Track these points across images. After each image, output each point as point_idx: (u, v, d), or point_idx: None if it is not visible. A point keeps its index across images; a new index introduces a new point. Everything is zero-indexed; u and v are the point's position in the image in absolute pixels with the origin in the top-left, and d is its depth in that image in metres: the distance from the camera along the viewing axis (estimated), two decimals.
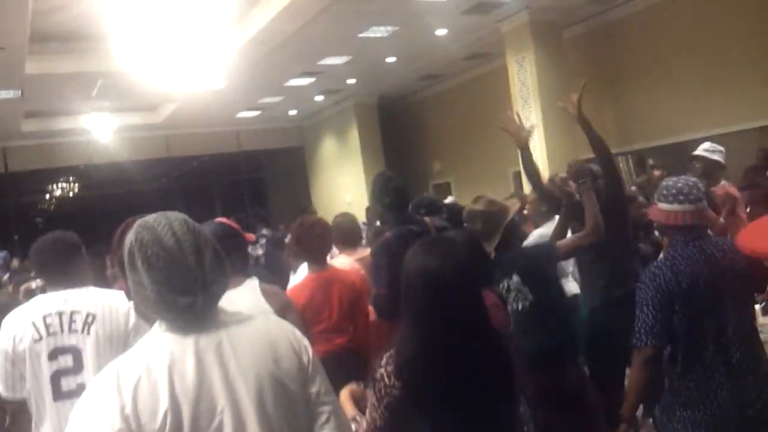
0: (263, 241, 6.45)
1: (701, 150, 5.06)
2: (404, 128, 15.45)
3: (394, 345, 1.91)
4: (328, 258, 3.83)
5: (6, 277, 10.16)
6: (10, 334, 2.56)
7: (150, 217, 1.48)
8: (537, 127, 9.68)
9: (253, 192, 19.98)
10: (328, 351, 3.18)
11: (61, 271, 2.70)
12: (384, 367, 1.87)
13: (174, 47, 7.90)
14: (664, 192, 2.49)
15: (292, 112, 15.56)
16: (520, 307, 3.14)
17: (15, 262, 10.87)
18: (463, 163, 13.65)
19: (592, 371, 3.58)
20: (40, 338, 2.55)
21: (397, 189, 3.47)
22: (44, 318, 2.58)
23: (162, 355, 1.40)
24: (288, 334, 1.58)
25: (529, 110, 9.82)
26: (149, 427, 1.32)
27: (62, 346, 2.56)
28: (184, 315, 1.43)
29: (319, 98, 14.13)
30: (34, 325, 2.56)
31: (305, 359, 1.54)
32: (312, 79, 12.10)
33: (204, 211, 18.50)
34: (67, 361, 2.56)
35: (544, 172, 9.44)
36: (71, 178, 19.59)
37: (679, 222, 2.44)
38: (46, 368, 2.54)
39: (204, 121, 14.55)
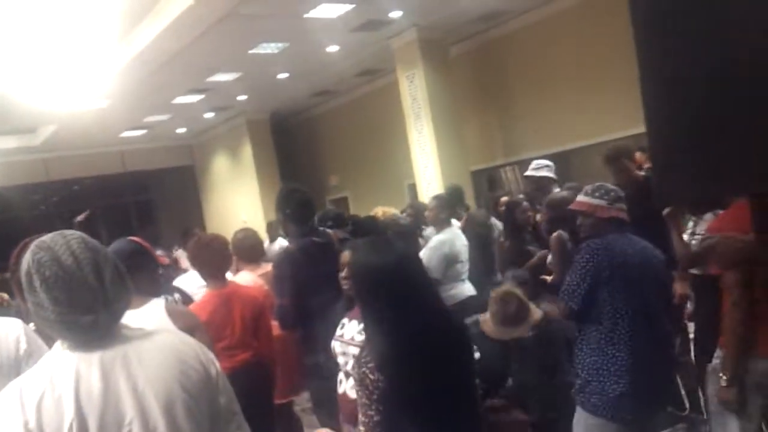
0: None
1: (528, 171, 5.45)
2: (299, 144, 15.43)
3: (367, 344, 2.00)
4: (230, 275, 3.78)
5: None
6: None
7: (47, 237, 1.45)
8: (430, 139, 9.96)
9: (141, 214, 19.24)
10: (232, 367, 3.13)
11: None
12: (365, 366, 1.93)
13: (52, 65, 7.55)
14: (619, 195, 2.87)
15: (181, 130, 15.15)
16: None
17: None
18: (360, 177, 13.79)
19: None
20: None
21: (300, 202, 3.50)
22: None
23: (66, 371, 1.38)
24: (194, 347, 1.58)
25: (421, 124, 10.08)
26: None
27: None
28: (86, 334, 1.41)
29: (209, 115, 13.84)
30: None
31: (213, 371, 1.56)
32: (201, 96, 11.85)
33: (89, 236, 17.57)
34: None
35: (439, 184, 9.73)
36: None
37: (613, 215, 2.80)
38: None
39: (86, 142, 13.90)
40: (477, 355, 2.25)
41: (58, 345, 1.45)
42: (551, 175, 5.30)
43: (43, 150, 13.84)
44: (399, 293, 1.96)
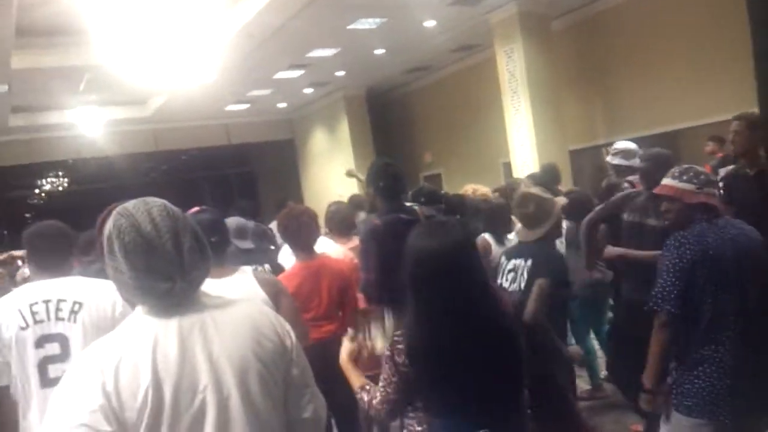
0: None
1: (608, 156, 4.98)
2: (394, 120, 15.45)
3: (404, 327, 1.97)
4: (323, 246, 3.86)
5: None
6: None
7: (129, 204, 1.47)
8: (527, 117, 9.72)
9: (242, 185, 19.97)
10: (318, 338, 3.22)
11: (51, 258, 2.73)
12: (395, 346, 1.92)
13: (161, 41, 7.87)
14: (710, 179, 2.66)
15: (282, 105, 15.51)
16: (511, 287, 3.21)
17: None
18: (454, 155, 13.68)
19: None
20: (27, 326, 2.55)
21: (394, 175, 3.50)
22: (30, 306, 2.59)
23: (145, 336, 1.41)
24: (271, 318, 1.60)
25: (518, 101, 9.85)
26: (130, 404, 1.33)
27: (49, 334, 2.58)
28: (162, 300, 1.44)
29: (309, 91, 14.09)
30: (21, 312, 2.57)
31: (288, 343, 1.57)
32: (301, 72, 12.08)
33: (194, 205, 18.38)
34: (54, 348, 2.57)
35: (535, 164, 9.51)
36: (60, 173, 19.51)
37: (702, 200, 2.58)
38: (33, 356, 2.55)
39: (192, 114, 14.49)
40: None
41: (139, 309, 1.48)
42: (623, 162, 4.92)
43: (153, 121, 14.54)
44: (441, 284, 1.89)
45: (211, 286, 1.56)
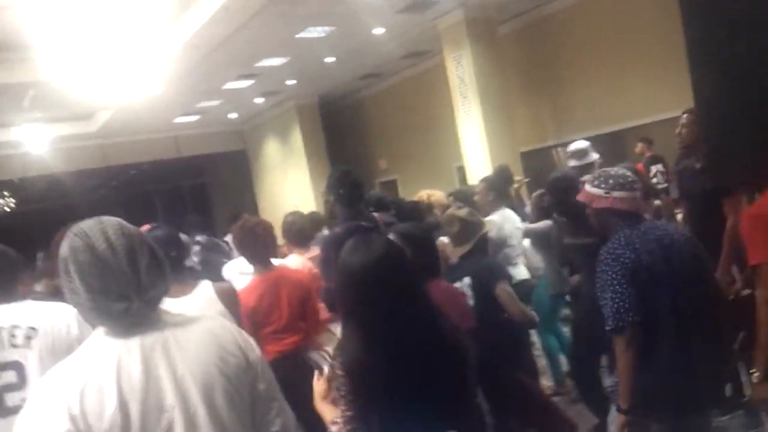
0: (197, 248, 6.33)
1: (573, 161, 5.02)
2: (348, 127, 15.46)
3: (339, 343, 1.96)
4: (280, 258, 3.83)
5: None
6: None
7: (84, 223, 1.46)
8: (478, 121, 9.84)
9: (195, 198, 19.68)
10: (281, 351, 3.20)
11: (2, 286, 2.62)
12: (335, 361, 1.91)
13: (105, 54, 7.72)
14: (620, 180, 2.57)
15: (233, 116, 15.36)
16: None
17: None
18: (409, 160, 13.75)
19: None
20: None
21: (353, 183, 3.53)
22: None
23: (107, 357, 1.40)
24: (234, 333, 1.59)
25: (468, 106, 9.97)
26: (97, 427, 1.32)
27: (4, 362, 2.47)
28: (120, 320, 1.42)
29: (259, 100, 13.99)
30: None
31: (252, 357, 1.56)
32: (251, 82, 11.98)
33: (146, 219, 18.06)
34: (10, 377, 2.47)
35: (488, 166, 9.62)
36: (5, 193, 18.90)
37: (635, 208, 2.55)
38: None
39: (141, 127, 14.23)
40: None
41: (99, 331, 1.46)
42: (578, 163, 4.94)
43: (100, 136, 14.24)
44: (370, 298, 1.90)
45: (170, 305, 1.53)
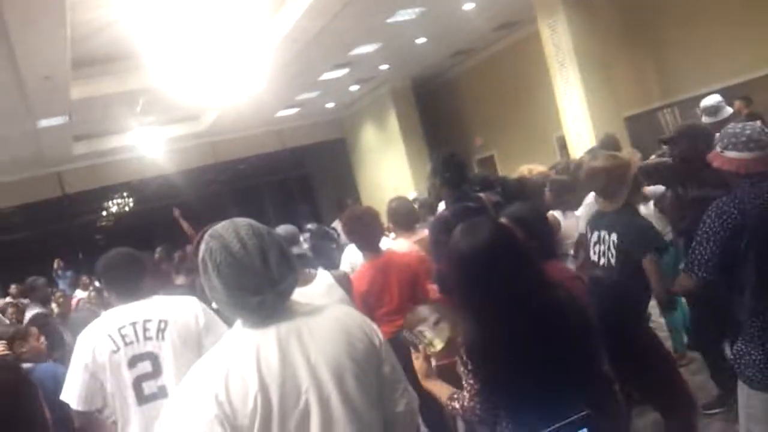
0: (307, 236, 6.55)
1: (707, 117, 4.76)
2: (442, 107, 15.42)
3: (461, 326, 2.00)
4: (389, 242, 3.93)
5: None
6: (89, 348, 2.71)
7: (219, 226, 1.58)
8: (577, 87, 9.55)
9: (300, 188, 20.24)
10: (393, 332, 3.29)
11: (128, 284, 2.85)
12: (462, 345, 1.95)
13: (209, 57, 8.09)
14: (733, 140, 2.44)
15: (330, 105, 15.69)
16: (600, 262, 3.14)
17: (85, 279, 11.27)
18: (505, 135, 13.57)
19: None
20: (118, 349, 2.70)
21: (458, 165, 3.56)
22: (119, 330, 2.73)
23: (247, 347, 1.52)
24: (359, 320, 1.69)
25: (566, 73, 9.71)
26: (242, 411, 1.44)
27: (139, 353, 2.71)
28: (256, 313, 1.54)
29: (355, 88, 14.20)
30: (111, 337, 2.71)
31: (377, 342, 1.65)
32: (346, 70, 12.19)
33: (256, 211, 18.87)
34: (146, 366, 2.71)
35: (590, 134, 9.35)
36: (125, 194, 20.17)
37: (750, 170, 2.39)
38: (127, 376, 2.69)
39: (246, 124, 14.82)
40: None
41: (238, 323, 1.59)
42: (711, 119, 4.72)
43: (209, 134, 14.96)
44: (480, 282, 1.92)
45: (297, 295, 1.65)
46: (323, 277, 2.94)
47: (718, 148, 2.50)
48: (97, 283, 10.10)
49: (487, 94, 13.87)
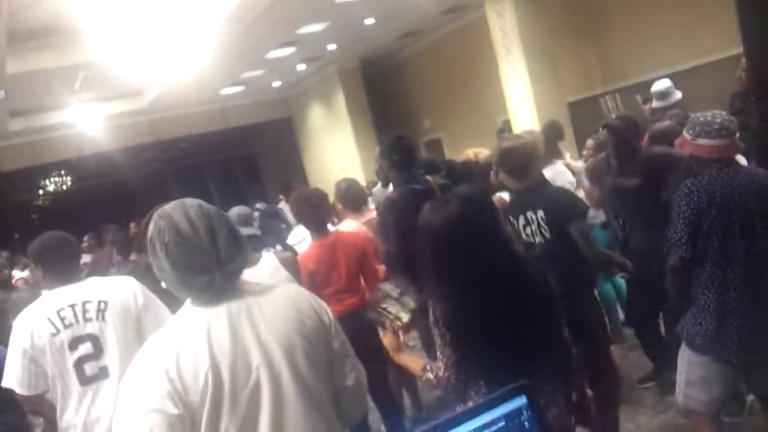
0: (256, 215, 6.55)
1: (658, 103, 4.92)
2: (390, 88, 15.43)
3: (434, 300, 2.03)
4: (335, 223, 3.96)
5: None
6: (27, 332, 2.67)
7: (168, 206, 1.59)
8: (522, 73, 9.70)
9: (244, 167, 20.02)
10: (341, 311, 3.33)
11: (64, 266, 2.83)
12: (434, 313, 2.00)
13: (151, 32, 7.89)
14: (706, 128, 2.59)
15: (276, 84, 15.49)
16: (536, 240, 3.21)
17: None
18: (452, 118, 13.68)
19: None
20: (58, 332, 2.67)
21: (407, 148, 3.59)
22: (58, 312, 2.70)
23: (198, 325, 1.53)
24: (308, 299, 1.72)
25: (512, 58, 9.85)
26: (193, 387, 1.46)
27: (80, 335, 2.69)
28: (204, 291, 1.55)
29: (302, 67, 14.05)
30: (50, 320, 2.68)
31: (326, 319, 1.69)
32: (292, 49, 12.04)
33: (198, 191, 18.55)
34: (87, 348, 2.70)
35: (534, 119, 9.54)
36: (63, 172, 19.59)
37: (723, 155, 2.58)
38: (69, 358, 2.67)
39: (188, 101, 14.48)
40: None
41: (188, 302, 1.60)
42: (661, 104, 4.87)
43: (150, 111, 14.56)
44: (458, 252, 1.97)
45: (247, 275, 1.66)
46: (269, 258, 2.96)
47: (688, 136, 2.65)
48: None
49: (434, 77, 13.94)
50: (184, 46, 8.81)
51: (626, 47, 9.78)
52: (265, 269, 2.86)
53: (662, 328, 4.09)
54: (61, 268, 2.81)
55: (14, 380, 2.66)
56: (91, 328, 2.71)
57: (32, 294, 3.99)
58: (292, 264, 3.18)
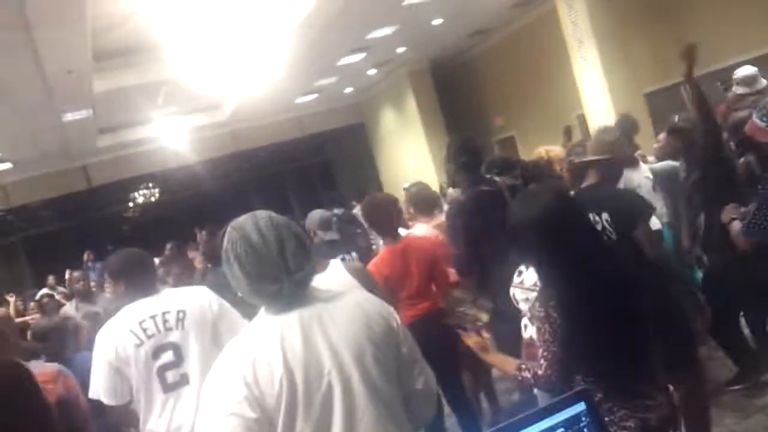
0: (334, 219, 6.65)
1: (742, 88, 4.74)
2: (460, 88, 15.35)
3: (542, 290, 2.08)
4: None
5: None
6: (111, 344, 2.81)
7: (241, 218, 1.69)
8: (596, 65, 9.47)
9: (320, 174, 20.33)
10: (415, 315, 3.37)
11: (145, 279, 2.98)
12: (543, 308, 2.01)
13: (228, 46, 8.18)
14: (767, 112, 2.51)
15: (348, 90, 15.71)
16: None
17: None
18: (525, 115, 13.49)
19: None
20: (141, 342, 2.79)
21: (472, 150, 3.60)
22: (140, 323, 2.83)
23: (271, 332, 1.61)
24: (377, 305, 1.78)
25: (585, 50, 9.64)
26: (269, 392, 1.53)
27: (161, 344, 2.82)
28: (275, 300, 1.63)
29: (372, 72, 14.20)
30: (132, 332, 2.81)
31: (394, 324, 1.74)
32: (363, 55, 12.19)
33: (277, 199, 19.02)
34: (168, 356, 2.82)
35: (610, 112, 9.30)
36: (150, 185, 20.45)
37: None
38: (152, 367, 2.80)
39: (265, 111, 14.89)
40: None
41: (262, 311, 1.69)
42: (746, 90, 4.68)
43: (230, 123, 15.08)
44: (553, 242, 1.99)
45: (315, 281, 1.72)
46: (336, 267, 3.02)
47: (762, 123, 2.53)
48: None
49: (505, 74, 13.78)
50: (259, 57, 9.09)
51: (703, 32, 9.37)
52: (333, 277, 2.91)
53: (745, 329, 3.92)
54: (142, 281, 2.95)
55: (101, 390, 2.80)
56: (171, 336, 2.83)
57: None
58: (360, 273, 3.20)
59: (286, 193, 20.31)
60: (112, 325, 2.88)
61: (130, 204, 21.84)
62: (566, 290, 1.97)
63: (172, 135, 13.11)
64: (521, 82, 13.21)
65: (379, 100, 16.34)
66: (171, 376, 2.80)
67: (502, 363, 2.23)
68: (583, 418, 1.09)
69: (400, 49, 12.69)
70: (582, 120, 10.59)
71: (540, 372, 2.01)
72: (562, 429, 1.09)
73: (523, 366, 2.09)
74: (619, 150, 3.26)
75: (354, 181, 17.54)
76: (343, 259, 3.56)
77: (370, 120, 17.25)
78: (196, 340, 2.83)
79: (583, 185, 3.21)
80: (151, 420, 2.80)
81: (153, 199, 21.31)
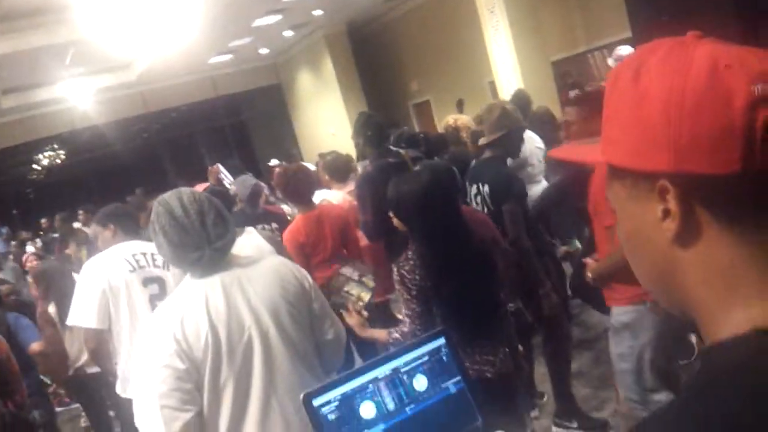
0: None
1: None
2: (377, 52, 15.49)
3: (410, 251, 2.39)
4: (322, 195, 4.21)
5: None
6: (104, 272, 3.09)
7: (166, 194, 1.91)
8: (506, 34, 9.80)
9: (236, 135, 20.10)
10: (329, 276, 3.60)
11: (133, 225, 3.41)
12: (403, 269, 2.34)
13: (139, 4, 8.00)
14: None
15: (264, 51, 15.53)
16: (484, 211, 3.53)
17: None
18: (440, 80, 13.79)
19: None
20: (134, 269, 3.11)
21: (377, 125, 3.85)
22: (132, 255, 3.15)
23: (197, 293, 1.84)
24: (290, 267, 2.06)
25: (496, 20, 9.95)
26: (196, 346, 1.77)
27: (150, 277, 3.14)
28: (196, 265, 1.86)
29: (289, 34, 14.10)
30: (126, 260, 3.12)
31: (306, 284, 2.02)
32: (279, 17, 12.10)
33: (191, 160, 18.71)
34: (154, 289, 3.14)
35: (518, 79, 9.69)
36: (56, 146, 19.69)
37: None
38: (142, 293, 3.10)
39: (177, 71, 14.55)
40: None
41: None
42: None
43: (140, 83, 14.63)
44: (427, 216, 2.35)
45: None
46: (252, 235, 3.23)
47: None
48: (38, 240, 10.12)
49: (420, 40, 13.99)
50: (171, 17, 8.91)
51: (608, 3, 9.82)
52: (248, 243, 3.13)
53: None
54: (128, 224, 3.34)
55: (90, 315, 3.04)
56: (159, 272, 3.15)
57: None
58: (273, 241, 3.44)
59: (201, 153, 19.97)
60: (104, 256, 3.18)
61: (36, 166, 20.97)
62: (429, 255, 2.33)
63: (80, 95, 12.70)
64: (436, 48, 13.47)
65: (297, 62, 16.26)
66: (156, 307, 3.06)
67: (378, 335, 2.54)
68: (443, 349, 1.48)
69: (317, 12, 12.66)
70: (492, 87, 10.97)
71: (405, 329, 2.34)
72: (426, 357, 1.46)
73: (392, 330, 2.41)
74: (515, 123, 3.57)
75: (270, 142, 17.48)
76: (261, 228, 3.75)
77: (287, 82, 17.15)
78: (176, 281, 3.03)
79: (481, 158, 3.57)
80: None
81: (59, 160, 20.52)
